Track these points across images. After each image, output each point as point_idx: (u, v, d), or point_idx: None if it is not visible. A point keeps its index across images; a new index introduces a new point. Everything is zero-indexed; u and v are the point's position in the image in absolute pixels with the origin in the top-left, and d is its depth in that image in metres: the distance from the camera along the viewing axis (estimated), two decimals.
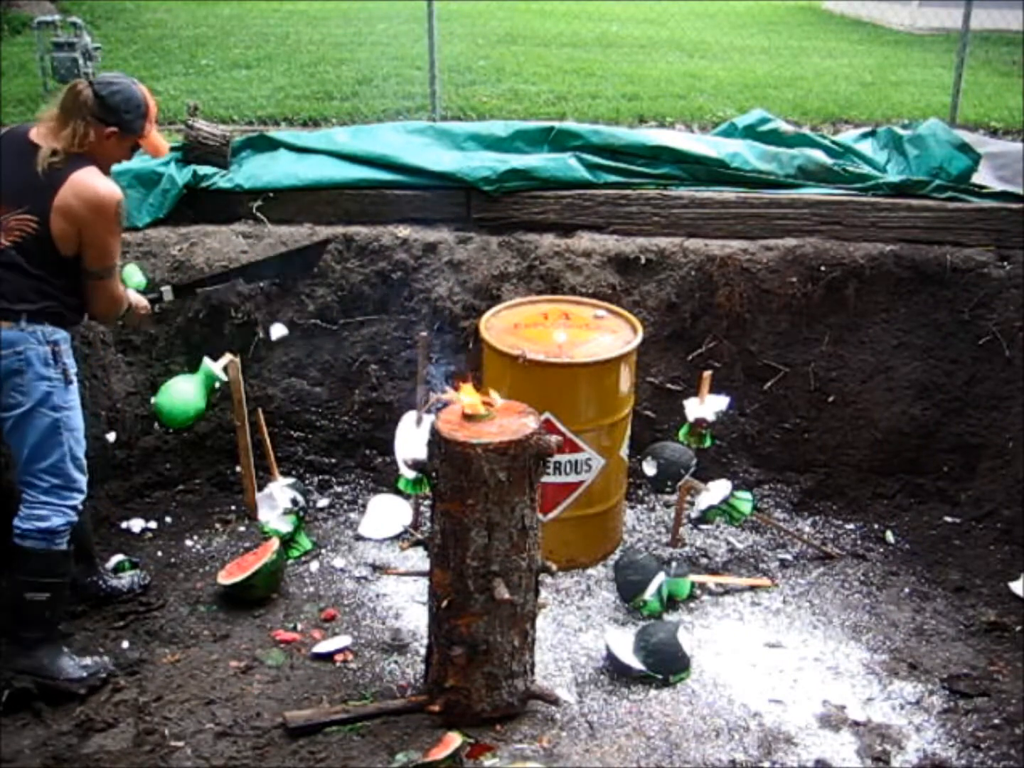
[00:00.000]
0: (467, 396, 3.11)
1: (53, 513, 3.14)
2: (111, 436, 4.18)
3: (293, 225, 4.57)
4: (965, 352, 4.52)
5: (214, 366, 4.00)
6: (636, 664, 3.41)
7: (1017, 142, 5.78)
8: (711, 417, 4.12)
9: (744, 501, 4.09)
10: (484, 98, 7.46)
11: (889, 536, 4.39)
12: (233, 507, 4.40)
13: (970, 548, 4.28)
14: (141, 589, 3.77)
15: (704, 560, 4.20)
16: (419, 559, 4.01)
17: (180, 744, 3.06)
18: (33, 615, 3.20)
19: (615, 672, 3.46)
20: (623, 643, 3.48)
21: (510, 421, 3.03)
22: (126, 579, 3.77)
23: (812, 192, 4.69)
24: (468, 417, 3.03)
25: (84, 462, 3.24)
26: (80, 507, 3.25)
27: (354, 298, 4.57)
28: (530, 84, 8.08)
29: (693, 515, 4.27)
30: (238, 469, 4.31)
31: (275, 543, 3.88)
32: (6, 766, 2.94)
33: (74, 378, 3.18)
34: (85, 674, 3.25)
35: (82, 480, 3.22)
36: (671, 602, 3.82)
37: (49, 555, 3.15)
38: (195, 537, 4.19)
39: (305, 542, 4.15)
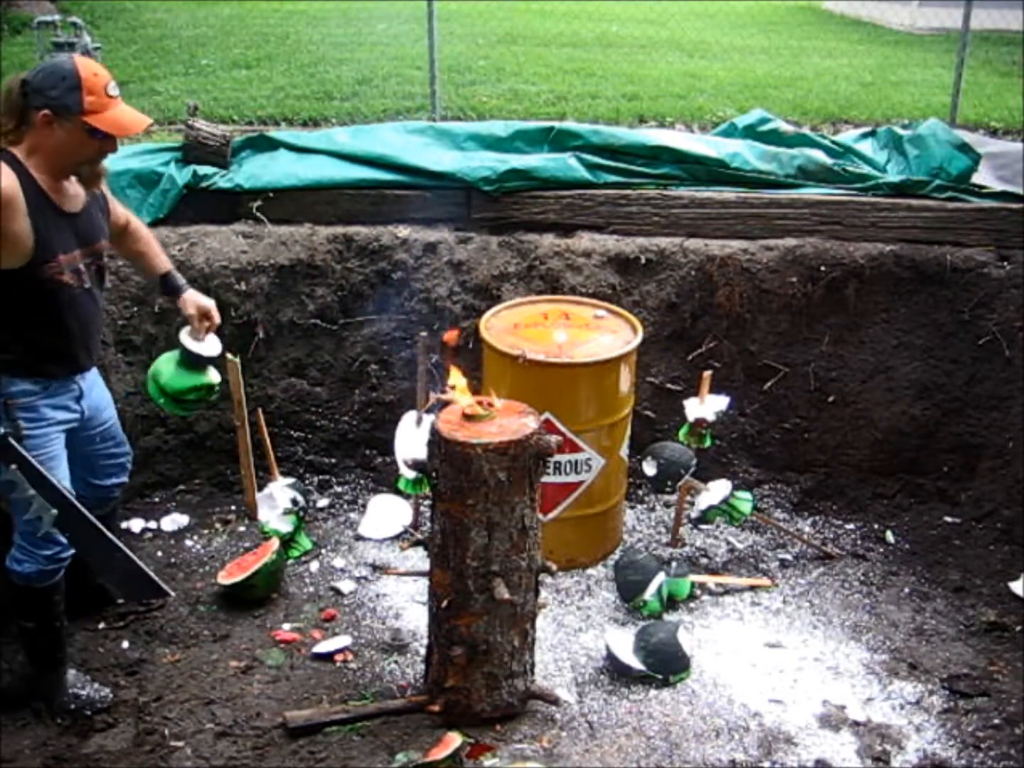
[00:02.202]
0: (458, 387, 3.09)
1: (27, 558, 3.00)
2: None
3: (293, 225, 4.57)
4: (965, 352, 4.52)
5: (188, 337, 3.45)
6: (636, 664, 3.41)
7: (1017, 142, 5.78)
8: (711, 417, 4.12)
9: (744, 501, 4.09)
10: (484, 98, 7.45)
11: (889, 536, 4.40)
12: (233, 507, 4.41)
13: (970, 548, 4.28)
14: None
15: (704, 560, 4.20)
16: (419, 559, 4.01)
17: (180, 744, 3.06)
18: (27, 639, 3.17)
19: (615, 672, 3.46)
20: (623, 643, 3.48)
21: (510, 421, 3.03)
22: None
23: (812, 192, 4.69)
24: (468, 417, 3.03)
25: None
26: (62, 557, 3.03)
27: (354, 298, 4.57)
28: (530, 84, 8.08)
29: (693, 515, 4.27)
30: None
31: (275, 543, 3.88)
32: (6, 766, 2.94)
33: (30, 434, 2.84)
34: (73, 707, 3.15)
35: (57, 534, 2.93)
36: (671, 602, 3.82)
37: (29, 592, 3.04)
38: (195, 537, 4.19)
39: (305, 542, 4.15)
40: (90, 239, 2.97)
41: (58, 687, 3.17)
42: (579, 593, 3.94)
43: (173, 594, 3.25)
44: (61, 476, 2.97)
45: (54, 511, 2.77)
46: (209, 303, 3.33)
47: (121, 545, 2.86)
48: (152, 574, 2.90)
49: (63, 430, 3.03)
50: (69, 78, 2.69)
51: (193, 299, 3.30)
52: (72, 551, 3.04)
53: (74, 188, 2.91)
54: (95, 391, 3.19)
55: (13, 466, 2.71)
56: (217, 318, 3.35)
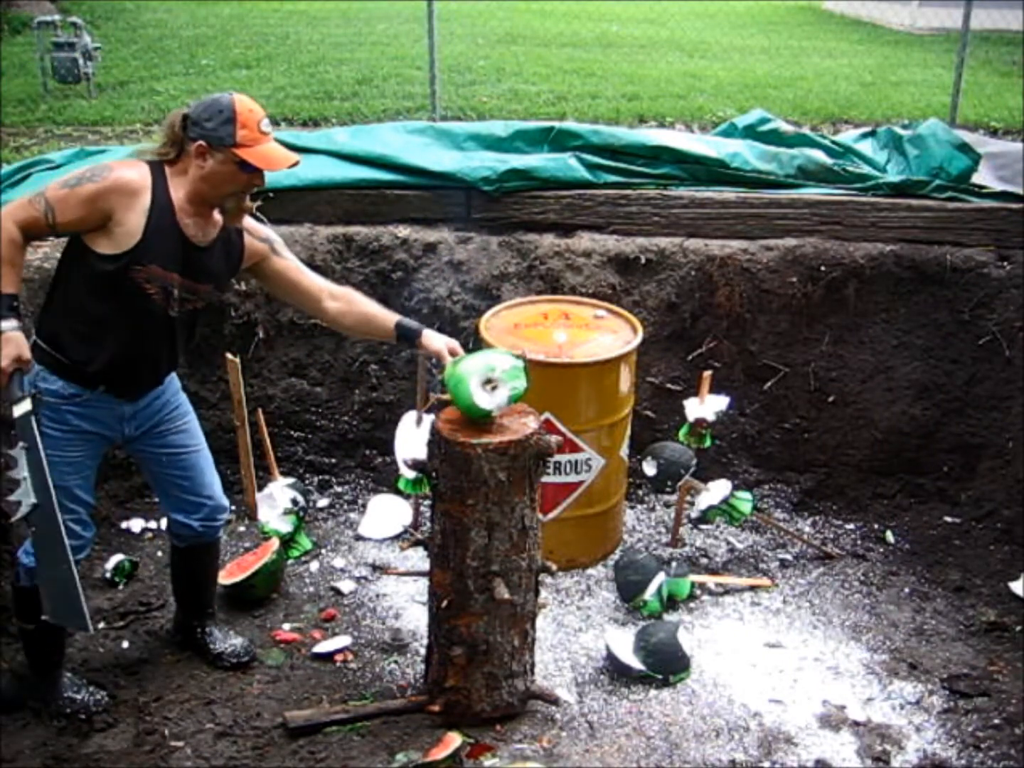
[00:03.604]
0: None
1: (34, 553, 2.96)
2: None
3: (293, 225, 4.57)
4: (965, 352, 4.52)
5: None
6: (636, 664, 3.41)
7: (1017, 142, 5.78)
8: (711, 417, 4.12)
9: (744, 501, 4.09)
10: (484, 98, 7.46)
11: (889, 536, 4.40)
12: (233, 507, 4.40)
13: (970, 548, 4.28)
14: (248, 657, 3.46)
15: (704, 560, 4.20)
16: (419, 559, 4.01)
17: (180, 744, 3.06)
18: (26, 641, 3.15)
19: (615, 672, 3.47)
20: (623, 643, 3.48)
21: (510, 421, 3.02)
22: (238, 644, 3.49)
23: (812, 192, 4.69)
24: None
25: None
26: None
27: None
28: (530, 84, 8.09)
29: (693, 515, 4.27)
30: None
31: (275, 543, 3.88)
32: (6, 766, 2.94)
33: (48, 432, 2.82)
34: (68, 711, 3.13)
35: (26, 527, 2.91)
36: (671, 602, 3.82)
37: (29, 592, 2.98)
38: None
39: (305, 542, 4.15)
40: (196, 274, 2.92)
41: (53, 691, 3.16)
42: (579, 593, 3.94)
43: (92, 631, 3.11)
44: (71, 484, 2.94)
45: (33, 501, 2.71)
46: (452, 341, 3.14)
47: (74, 568, 2.80)
48: (85, 608, 2.81)
49: (90, 440, 2.98)
50: (226, 111, 2.77)
51: (436, 336, 3.14)
52: (79, 556, 3.03)
53: (208, 226, 2.91)
54: (157, 416, 3.12)
55: (22, 444, 2.69)
56: (460, 351, 3.13)
